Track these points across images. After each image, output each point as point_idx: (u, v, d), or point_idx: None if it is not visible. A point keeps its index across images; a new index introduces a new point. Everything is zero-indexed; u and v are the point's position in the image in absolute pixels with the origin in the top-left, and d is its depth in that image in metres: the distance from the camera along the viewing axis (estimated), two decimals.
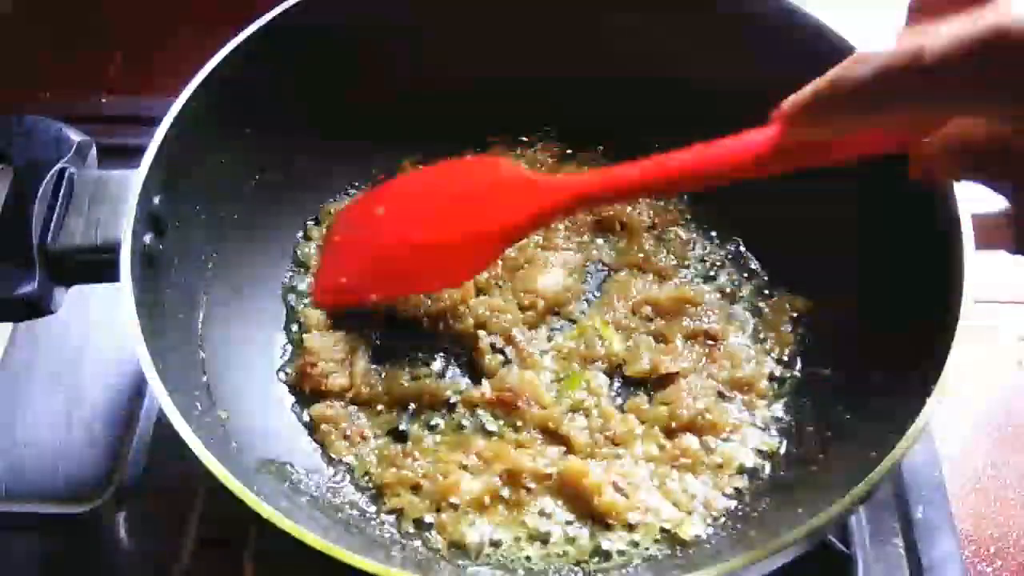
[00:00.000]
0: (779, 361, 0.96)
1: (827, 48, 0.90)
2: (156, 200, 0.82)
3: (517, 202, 0.86)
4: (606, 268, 1.03)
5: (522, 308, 0.98)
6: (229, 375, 0.90)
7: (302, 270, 1.04)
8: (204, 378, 0.86)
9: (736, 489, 0.88)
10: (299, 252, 1.05)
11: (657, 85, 1.02)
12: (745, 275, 1.03)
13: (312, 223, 1.07)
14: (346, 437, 0.91)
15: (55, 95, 1.29)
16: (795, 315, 0.98)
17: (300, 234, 1.06)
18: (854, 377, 0.88)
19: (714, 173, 0.76)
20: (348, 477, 0.90)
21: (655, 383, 0.94)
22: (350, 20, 0.98)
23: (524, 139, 1.13)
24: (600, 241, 1.05)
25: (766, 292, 1.01)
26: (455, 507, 0.86)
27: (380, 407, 0.93)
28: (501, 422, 0.92)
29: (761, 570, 0.66)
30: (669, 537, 0.84)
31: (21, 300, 0.78)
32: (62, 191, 0.82)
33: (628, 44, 1.03)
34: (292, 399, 0.95)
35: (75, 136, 0.86)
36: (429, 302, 0.98)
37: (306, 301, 1.02)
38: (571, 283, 1.00)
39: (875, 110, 0.59)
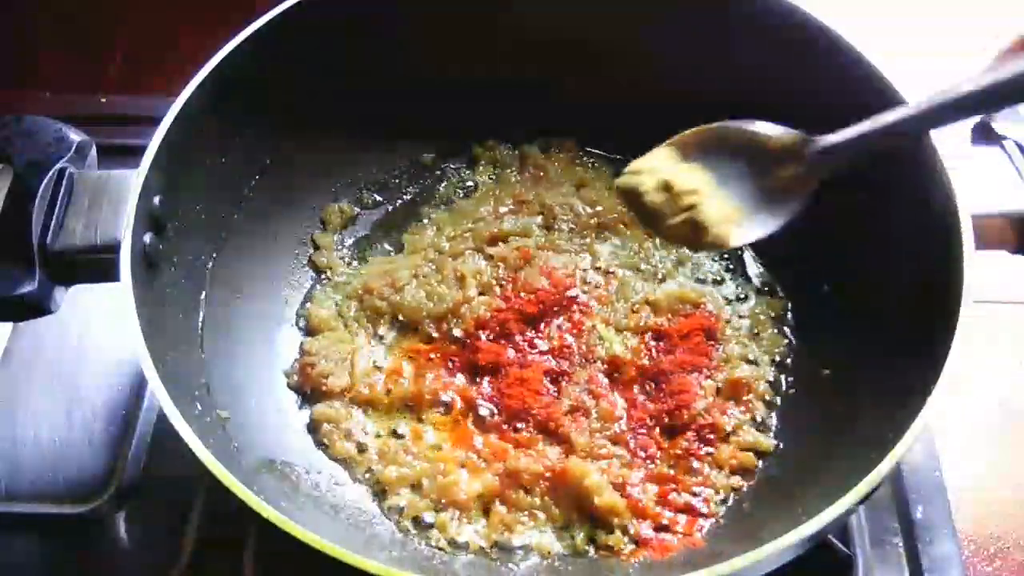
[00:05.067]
0: (778, 362, 0.96)
1: (825, 47, 0.90)
2: (156, 200, 0.82)
3: None
4: (606, 269, 1.03)
5: (522, 308, 0.98)
6: (229, 375, 0.90)
7: (304, 270, 1.04)
8: (204, 378, 0.86)
9: (735, 489, 0.88)
10: (313, 259, 1.05)
11: (658, 86, 1.02)
12: (745, 276, 1.03)
13: (319, 230, 1.07)
14: (347, 436, 0.91)
15: (55, 95, 1.29)
16: (778, 316, 0.99)
17: (308, 240, 1.06)
18: (853, 377, 0.88)
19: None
20: (348, 476, 0.90)
21: (655, 383, 0.94)
22: (350, 20, 0.98)
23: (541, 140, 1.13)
24: (601, 242, 1.05)
25: (766, 293, 1.02)
26: (455, 506, 0.86)
27: (380, 407, 0.94)
28: (501, 422, 0.92)
29: (761, 570, 0.66)
30: (669, 537, 0.84)
31: (21, 300, 0.78)
32: (62, 191, 0.82)
33: (630, 46, 1.03)
34: (292, 399, 0.95)
35: (75, 136, 0.86)
36: (431, 303, 0.98)
37: (307, 302, 1.02)
38: (571, 284, 1.00)
39: None
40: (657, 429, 0.91)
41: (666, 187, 0.75)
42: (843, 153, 0.72)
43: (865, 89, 0.87)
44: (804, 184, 0.74)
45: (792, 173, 0.74)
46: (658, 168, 0.76)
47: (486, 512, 0.87)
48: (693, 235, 0.75)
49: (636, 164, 0.77)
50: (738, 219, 0.76)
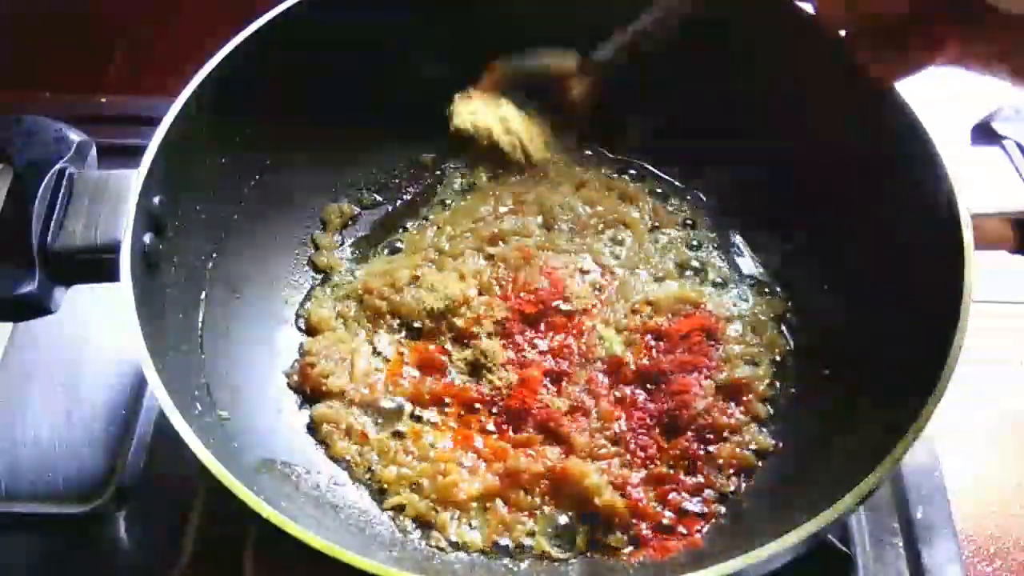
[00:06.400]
0: (778, 362, 0.96)
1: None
2: (156, 200, 0.82)
3: None
4: (606, 269, 1.03)
5: (522, 308, 0.98)
6: (229, 375, 0.90)
7: (304, 270, 1.04)
8: (204, 378, 0.86)
9: (735, 489, 0.88)
10: (313, 260, 1.05)
11: (657, 85, 1.02)
12: (745, 276, 1.03)
13: (319, 230, 1.07)
14: (347, 436, 0.91)
15: (55, 95, 1.29)
16: (778, 317, 0.99)
17: (308, 240, 1.06)
18: (853, 377, 0.88)
19: None
20: (348, 477, 0.90)
21: (655, 383, 0.94)
22: (350, 20, 0.98)
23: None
24: (601, 242, 1.05)
25: (766, 293, 1.02)
26: (455, 506, 0.86)
27: (380, 407, 0.93)
28: (501, 422, 0.92)
29: (761, 570, 0.66)
30: (669, 537, 0.84)
31: (21, 300, 0.78)
32: (62, 191, 0.82)
33: None
34: (292, 399, 0.95)
35: (75, 136, 0.86)
36: (431, 303, 0.98)
37: (307, 302, 1.02)
38: (571, 284, 1.00)
39: None
40: (657, 429, 0.91)
41: (492, 131, 0.92)
42: (611, 62, 0.91)
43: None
44: (590, 91, 0.92)
45: (580, 87, 0.92)
46: (482, 115, 0.92)
47: (486, 512, 0.87)
48: (525, 160, 0.93)
49: (462, 115, 0.93)
50: (551, 135, 0.95)
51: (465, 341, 0.96)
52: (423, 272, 1.01)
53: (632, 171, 1.12)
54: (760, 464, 0.90)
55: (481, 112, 0.92)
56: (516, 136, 0.92)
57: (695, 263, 1.04)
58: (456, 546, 0.85)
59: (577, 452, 0.89)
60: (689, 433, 0.90)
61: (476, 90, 0.93)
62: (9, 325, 1.05)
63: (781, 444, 0.91)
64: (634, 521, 0.85)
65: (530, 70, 0.93)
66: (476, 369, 0.95)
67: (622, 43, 0.90)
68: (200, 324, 0.90)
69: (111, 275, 0.76)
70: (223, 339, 0.92)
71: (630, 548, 0.84)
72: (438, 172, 1.13)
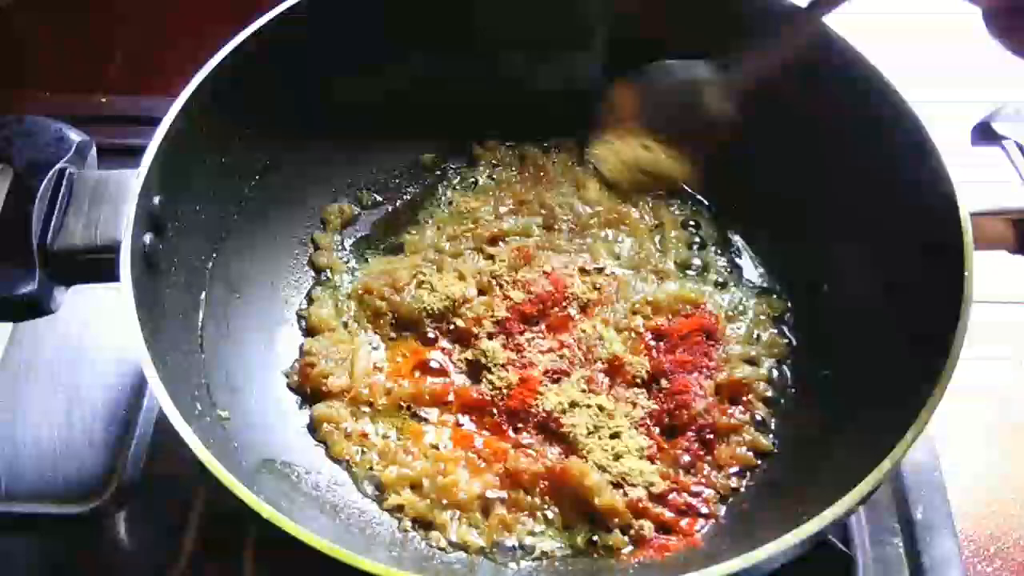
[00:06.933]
0: (778, 362, 0.96)
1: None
2: (156, 200, 0.82)
3: None
4: (606, 269, 1.03)
5: (522, 308, 0.98)
6: (229, 375, 0.90)
7: (304, 270, 1.04)
8: (204, 378, 0.86)
9: (735, 489, 0.88)
10: (312, 259, 1.05)
11: None
12: (745, 277, 1.03)
13: (319, 230, 1.07)
14: (347, 437, 0.91)
15: (55, 95, 1.29)
16: (778, 317, 0.99)
17: (308, 240, 1.06)
18: (853, 377, 0.88)
19: None
20: (348, 477, 0.90)
21: (655, 383, 0.94)
22: (349, 20, 0.98)
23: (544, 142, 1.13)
24: (601, 242, 1.05)
25: (766, 293, 1.02)
26: (455, 506, 0.86)
27: (380, 407, 0.93)
28: (501, 422, 0.92)
29: (761, 570, 0.66)
30: (669, 537, 0.84)
31: (21, 300, 0.78)
32: (62, 191, 0.82)
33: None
34: (292, 399, 0.95)
35: (75, 136, 0.86)
36: (431, 303, 0.98)
37: (307, 302, 1.02)
38: (571, 284, 1.00)
39: None
40: (657, 429, 0.91)
41: (638, 169, 0.93)
42: (750, 77, 0.88)
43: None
44: (730, 103, 0.89)
45: (722, 100, 0.89)
46: (623, 154, 0.92)
47: (486, 512, 0.87)
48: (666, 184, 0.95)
49: (609, 160, 0.92)
50: (687, 156, 0.93)
51: (465, 341, 0.96)
52: (423, 272, 1.01)
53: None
54: (760, 464, 0.90)
55: (622, 150, 0.90)
56: (664, 161, 0.89)
57: (695, 263, 1.04)
58: (456, 546, 0.85)
59: (577, 452, 0.89)
60: (689, 433, 0.90)
61: (610, 123, 0.89)
62: (9, 325, 1.05)
63: (781, 444, 0.91)
64: (634, 521, 0.85)
65: (668, 84, 0.87)
66: (476, 369, 0.95)
67: (758, 64, 0.86)
68: (200, 324, 0.90)
69: (111, 275, 0.76)
70: (223, 339, 0.92)
71: (630, 548, 0.84)
72: (438, 172, 1.13)
